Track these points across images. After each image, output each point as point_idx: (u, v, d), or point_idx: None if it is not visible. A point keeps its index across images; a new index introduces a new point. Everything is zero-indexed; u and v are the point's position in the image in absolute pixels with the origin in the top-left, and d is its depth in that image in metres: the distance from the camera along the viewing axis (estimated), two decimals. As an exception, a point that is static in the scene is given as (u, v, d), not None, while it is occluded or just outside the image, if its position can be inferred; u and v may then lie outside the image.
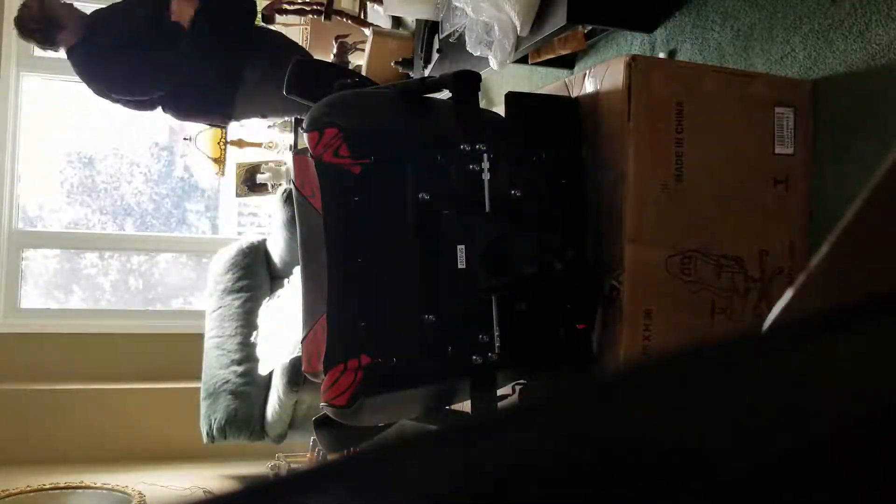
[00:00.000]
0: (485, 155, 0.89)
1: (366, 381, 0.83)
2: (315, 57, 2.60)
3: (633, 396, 0.18)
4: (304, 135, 0.88)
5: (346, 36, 2.75)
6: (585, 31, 1.56)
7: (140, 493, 2.48)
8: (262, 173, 3.39)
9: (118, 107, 2.45)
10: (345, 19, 2.66)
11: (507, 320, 0.91)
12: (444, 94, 0.96)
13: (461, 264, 0.85)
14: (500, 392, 0.94)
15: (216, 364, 2.67)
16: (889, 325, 0.22)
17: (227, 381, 2.58)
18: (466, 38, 1.55)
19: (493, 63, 1.46)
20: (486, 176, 0.90)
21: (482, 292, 0.89)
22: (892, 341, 0.21)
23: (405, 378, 0.86)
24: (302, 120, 0.93)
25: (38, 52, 3.76)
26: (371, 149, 0.86)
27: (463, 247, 0.85)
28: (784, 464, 0.16)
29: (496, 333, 0.89)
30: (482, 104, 0.94)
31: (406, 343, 0.86)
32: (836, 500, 0.17)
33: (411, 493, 0.14)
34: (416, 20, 2.21)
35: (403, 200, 0.87)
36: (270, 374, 2.41)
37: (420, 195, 0.86)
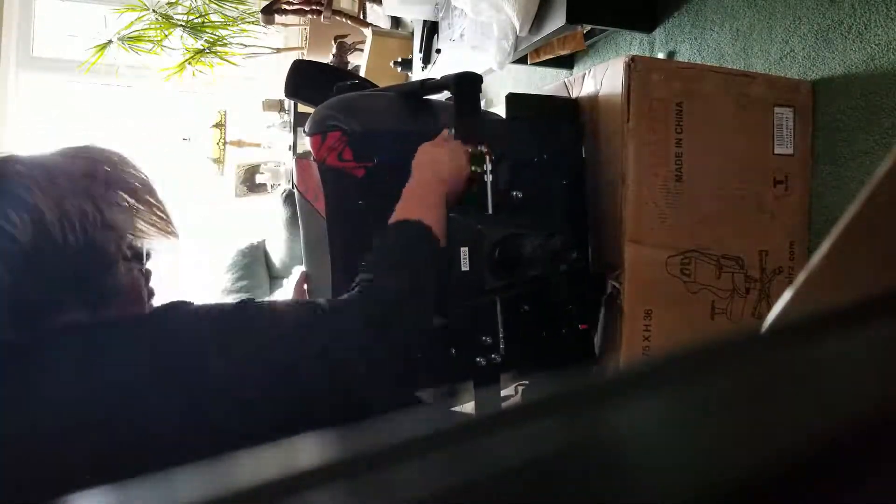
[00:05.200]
0: (486, 156, 0.89)
1: None
2: (314, 57, 2.60)
3: (631, 397, 0.18)
4: (307, 138, 0.88)
5: (345, 36, 2.76)
6: (584, 32, 1.56)
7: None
8: (262, 174, 3.39)
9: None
10: (344, 19, 2.67)
11: (510, 322, 0.91)
12: (445, 95, 0.96)
13: (465, 266, 0.85)
14: (503, 393, 0.94)
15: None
16: (890, 325, 0.22)
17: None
18: (466, 38, 1.55)
19: (492, 63, 1.46)
20: (488, 178, 0.90)
21: (486, 294, 0.89)
22: (893, 341, 0.21)
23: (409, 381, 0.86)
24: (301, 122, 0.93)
25: (37, 51, 3.76)
26: (374, 151, 0.86)
27: (466, 249, 0.85)
28: (783, 465, 0.16)
29: (501, 335, 0.89)
30: (481, 105, 0.94)
31: (410, 345, 0.86)
32: (836, 502, 0.17)
33: (410, 493, 0.14)
34: (416, 20, 2.21)
35: None
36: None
37: None
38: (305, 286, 0.99)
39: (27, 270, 0.60)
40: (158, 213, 0.70)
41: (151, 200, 0.70)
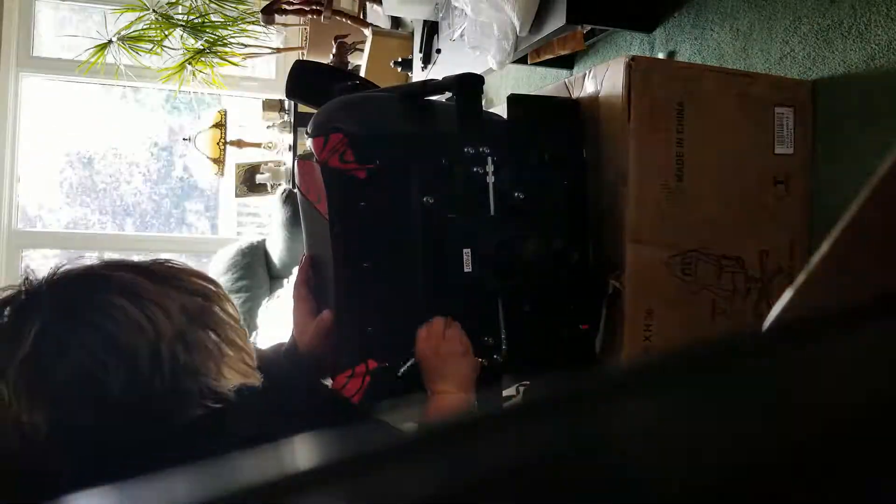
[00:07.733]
0: (489, 158, 0.89)
1: (373, 386, 0.83)
2: (314, 57, 2.60)
3: (631, 397, 0.18)
4: (309, 140, 0.88)
5: (345, 36, 2.75)
6: (584, 32, 1.56)
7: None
8: (262, 173, 3.39)
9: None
10: (344, 19, 2.66)
11: (512, 322, 0.91)
12: (446, 96, 0.96)
13: (467, 267, 0.85)
14: (504, 393, 0.94)
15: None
16: (890, 325, 0.22)
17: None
18: (466, 38, 1.55)
19: (492, 63, 1.46)
20: (490, 179, 0.89)
21: (488, 295, 0.89)
22: (893, 341, 0.21)
23: (412, 382, 0.86)
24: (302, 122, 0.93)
25: (38, 51, 3.76)
26: (376, 153, 0.86)
27: (469, 250, 0.85)
28: (782, 464, 0.16)
29: (503, 335, 0.89)
30: (482, 105, 0.93)
31: (413, 347, 0.86)
32: (834, 501, 0.17)
33: (410, 493, 0.14)
34: (416, 20, 2.20)
35: (409, 204, 0.87)
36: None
37: (425, 199, 0.86)
38: (310, 273, 0.96)
39: (111, 417, 0.59)
40: (245, 357, 0.69)
41: (240, 343, 0.68)
